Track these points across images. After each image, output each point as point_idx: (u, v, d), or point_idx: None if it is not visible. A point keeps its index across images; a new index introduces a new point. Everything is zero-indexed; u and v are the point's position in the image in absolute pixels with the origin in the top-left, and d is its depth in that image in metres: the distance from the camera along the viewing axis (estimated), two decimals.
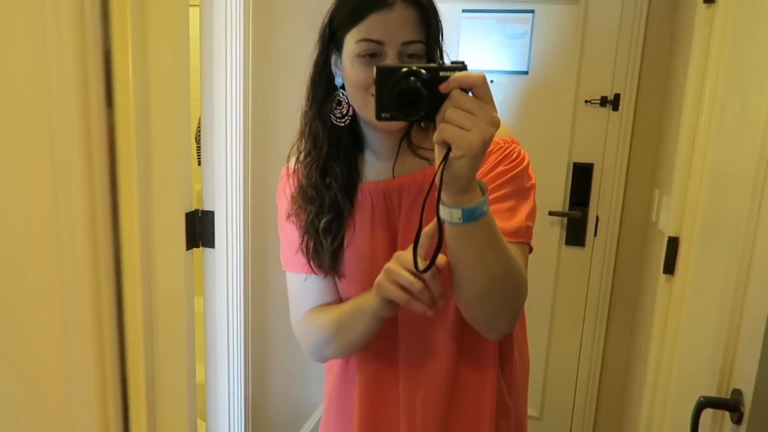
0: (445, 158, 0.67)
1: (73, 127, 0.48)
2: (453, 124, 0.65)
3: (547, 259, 2.29)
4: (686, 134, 1.54)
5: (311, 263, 0.93)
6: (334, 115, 0.89)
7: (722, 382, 1.10)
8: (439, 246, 0.72)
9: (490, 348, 0.92)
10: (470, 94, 0.66)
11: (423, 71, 0.68)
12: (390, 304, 0.80)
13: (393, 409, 0.95)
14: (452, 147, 0.66)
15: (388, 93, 0.69)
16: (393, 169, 0.91)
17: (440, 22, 0.86)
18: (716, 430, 1.10)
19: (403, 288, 0.75)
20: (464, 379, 0.92)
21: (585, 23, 2.09)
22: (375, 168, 0.94)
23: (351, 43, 0.82)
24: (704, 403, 1.03)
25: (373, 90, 0.80)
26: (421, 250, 0.75)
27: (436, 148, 0.69)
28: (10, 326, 0.47)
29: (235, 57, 1.63)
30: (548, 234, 2.27)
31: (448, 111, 0.66)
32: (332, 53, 0.87)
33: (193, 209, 1.66)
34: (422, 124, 0.92)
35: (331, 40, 0.86)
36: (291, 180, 0.95)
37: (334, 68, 0.88)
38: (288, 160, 0.96)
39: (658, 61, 2.05)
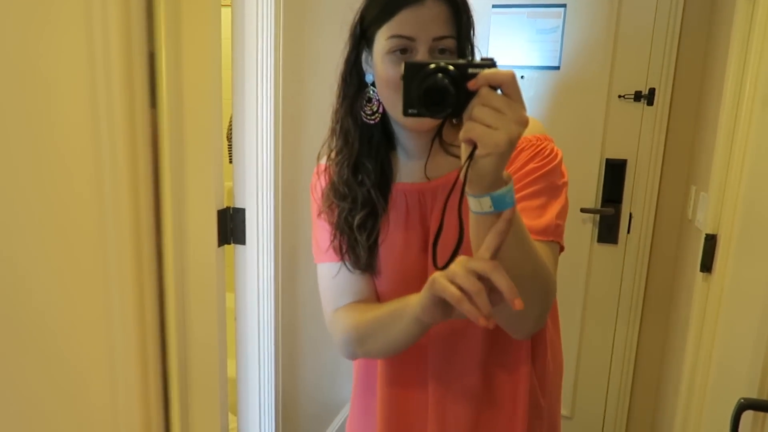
0: (471, 156, 0.66)
1: (119, 127, 0.49)
2: (480, 122, 0.64)
3: (578, 257, 2.26)
4: (725, 129, 1.49)
5: (345, 260, 0.93)
6: (364, 113, 0.89)
7: (763, 383, 1.07)
8: (459, 244, 0.70)
9: (523, 347, 0.91)
10: (499, 91, 0.65)
11: (451, 67, 0.67)
12: (438, 307, 0.75)
13: (420, 410, 0.95)
14: (478, 145, 0.65)
15: (415, 89, 0.68)
16: (425, 168, 0.91)
17: (471, 16, 0.85)
18: None
19: (460, 289, 0.71)
20: (496, 379, 0.92)
21: (618, 17, 2.05)
22: (407, 167, 0.93)
23: (382, 39, 0.82)
24: (745, 405, 1.01)
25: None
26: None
27: (462, 145, 0.68)
28: (54, 321, 0.48)
29: (266, 56, 1.64)
30: (580, 231, 2.24)
31: (476, 109, 0.65)
32: (363, 50, 0.87)
33: (225, 206, 1.68)
34: (453, 122, 0.91)
35: (362, 37, 0.86)
36: (322, 177, 0.95)
37: (365, 65, 0.88)
38: (319, 158, 0.97)
39: (695, 55, 1.99)
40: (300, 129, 1.88)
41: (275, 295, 1.81)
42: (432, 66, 0.67)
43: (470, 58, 0.69)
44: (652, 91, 2.05)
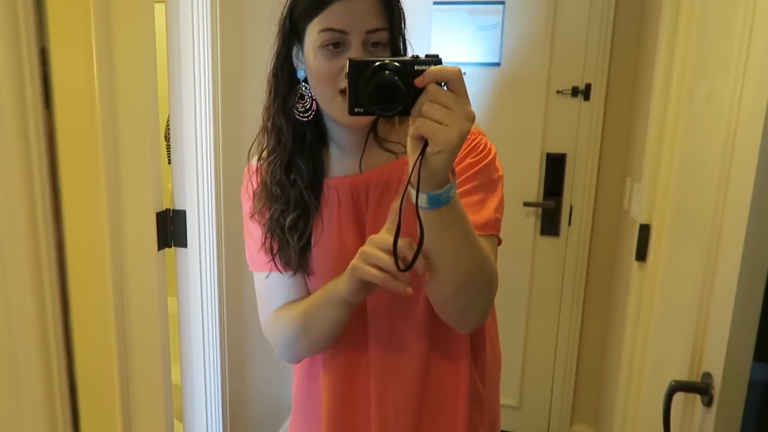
0: (422, 153, 0.66)
1: (9, 128, 0.46)
2: (430, 119, 0.65)
3: (522, 250, 2.31)
4: (655, 122, 1.55)
5: (276, 261, 0.91)
6: (297, 110, 0.87)
7: (693, 365, 1.12)
8: (420, 245, 0.72)
9: (462, 339, 0.92)
10: (444, 87, 0.66)
11: (397, 64, 0.67)
12: (362, 288, 0.80)
13: (363, 404, 0.94)
14: (430, 142, 0.65)
15: (362, 87, 0.68)
16: (360, 163, 0.90)
17: (402, 9, 0.85)
18: (688, 413, 1.12)
19: (380, 269, 0.74)
20: (437, 371, 0.92)
21: (555, 14, 2.10)
22: (341, 163, 0.92)
23: (313, 33, 0.80)
24: (675, 387, 1.04)
25: (338, 83, 0.80)
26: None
27: (410, 143, 0.68)
28: None
29: (203, 52, 1.60)
30: (523, 224, 2.29)
31: (425, 106, 0.65)
32: (294, 45, 0.85)
33: (164, 209, 1.63)
34: (396, 119, 0.91)
35: (291, 31, 0.84)
36: (253, 178, 0.94)
37: (295, 61, 0.86)
38: (249, 158, 0.94)
39: (628, 50, 2.07)
40: (242, 128, 1.83)
41: (219, 298, 1.77)
42: (378, 63, 0.67)
43: (415, 55, 0.68)
44: (588, 86, 2.11)
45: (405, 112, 0.67)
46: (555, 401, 2.42)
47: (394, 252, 0.73)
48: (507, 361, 2.42)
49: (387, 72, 0.67)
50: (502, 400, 2.43)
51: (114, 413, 1.68)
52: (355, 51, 0.79)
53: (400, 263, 0.73)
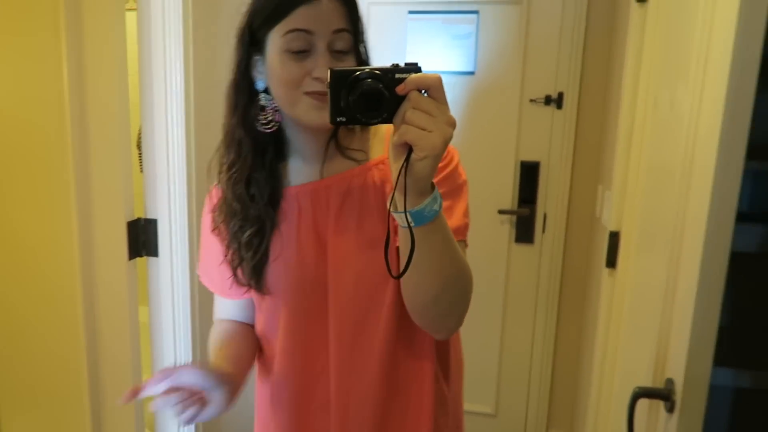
0: (407, 160, 0.67)
1: None
2: (414, 126, 0.65)
3: (497, 257, 2.32)
4: (624, 130, 1.58)
5: (235, 280, 0.92)
6: (258, 122, 0.86)
7: (657, 372, 1.13)
8: (412, 250, 0.72)
9: (427, 338, 0.92)
10: (425, 95, 0.67)
11: (379, 73, 0.68)
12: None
13: (321, 411, 0.94)
14: (414, 148, 0.66)
15: (346, 96, 0.68)
16: (321, 170, 0.90)
17: (361, 16, 0.86)
18: (652, 420, 1.13)
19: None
20: (402, 370, 0.92)
21: (528, 23, 2.13)
22: (302, 172, 0.92)
23: (276, 38, 0.80)
24: (639, 393, 1.05)
25: (304, 87, 0.80)
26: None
27: (392, 150, 0.69)
28: None
29: (174, 60, 1.59)
30: (498, 232, 2.30)
31: (409, 113, 0.66)
32: (253, 56, 0.85)
33: (136, 218, 1.61)
34: (358, 126, 0.91)
35: (252, 41, 0.84)
36: (214, 193, 0.94)
37: (254, 72, 0.86)
38: (209, 170, 0.93)
39: (599, 60, 2.10)
40: (215, 136, 1.82)
41: (191, 308, 1.75)
42: (359, 72, 0.68)
43: (395, 64, 0.69)
44: (561, 95, 2.14)
45: (389, 119, 0.69)
46: (531, 408, 2.43)
47: (385, 259, 0.74)
48: (483, 368, 2.43)
49: (370, 80, 0.68)
50: (479, 408, 2.44)
51: (84, 424, 1.66)
52: (321, 54, 0.79)
53: (393, 272, 0.74)
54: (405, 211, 0.69)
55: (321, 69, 0.79)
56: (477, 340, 2.40)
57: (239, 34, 0.85)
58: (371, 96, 0.67)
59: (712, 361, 0.99)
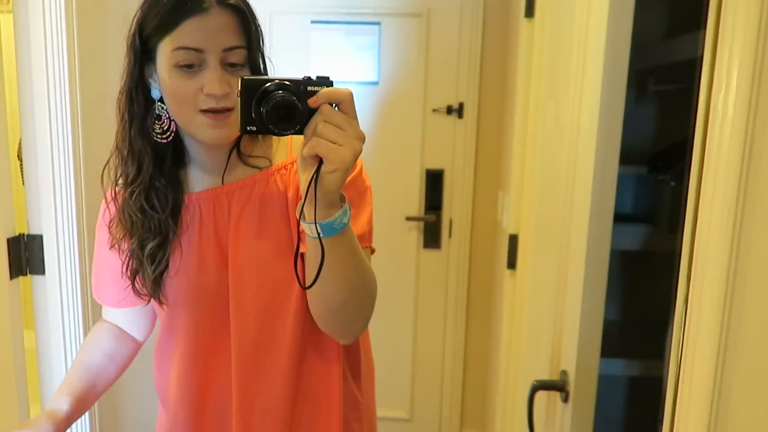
0: (317, 172, 0.68)
1: None
2: (325, 139, 0.66)
3: (407, 263, 2.36)
4: (518, 138, 1.66)
5: (134, 290, 0.89)
6: (154, 132, 0.83)
7: (553, 365, 1.19)
8: (322, 262, 0.72)
9: (334, 342, 0.92)
10: (336, 108, 0.68)
11: (291, 84, 0.69)
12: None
13: (224, 420, 0.91)
14: (325, 161, 0.67)
15: (257, 106, 0.68)
16: (222, 177, 0.88)
17: (259, 26, 0.84)
18: (551, 410, 1.19)
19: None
20: (309, 373, 0.91)
21: (428, 35, 2.19)
22: (202, 180, 0.90)
23: (166, 51, 0.77)
24: (537, 386, 1.11)
25: (198, 103, 0.78)
26: None
27: (301, 162, 0.70)
28: None
29: (58, 66, 1.50)
30: (407, 238, 2.34)
31: (320, 126, 0.67)
32: (146, 64, 0.81)
33: (17, 234, 1.49)
34: (260, 136, 0.89)
35: (143, 49, 0.80)
36: (111, 206, 0.90)
37: (149, 80, 0.83)
38: (103, 182, 0.89)
39: (496, 71, 2.20)
40: (106, 144, 1.72)
41: (84, 330, 1.64)
42: (271, 83, 0.69)
43: (307, 76, 0.70)
44: (461, 105, 2.22)
45: (300, 131, 0.69)
46: (444, 410, 2.48)
47: (295, 270, 0.75)
48: (396, 373, 2.45)
49: (282, 92, 0.68)
50: (394, 414, 2.46)
51: None
52: (212, 70, 0.77)
53: (304, 283, 0.76)
54: (315, 223, 0.70)
55: (212, 85, 0.77)
56: (389, 345, 2.42)
57: (129, 41, 0.81)
58: (285, 107, 0.68)
59: (602, 353, 1.06)
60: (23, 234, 1.53)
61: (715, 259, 0.45)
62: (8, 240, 1.44)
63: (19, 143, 1.70)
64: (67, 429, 0.89)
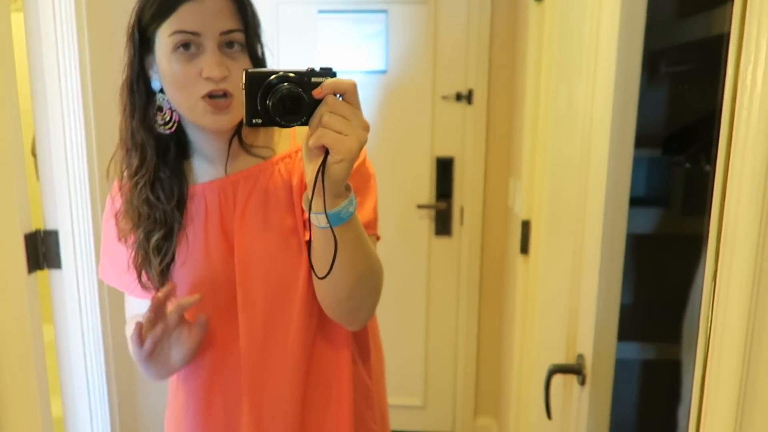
0: (323, 163, 0.69)
1: None
2: (331, 129, 0.67)
3: (418, 251, 2.36)
4: (529, 124, 1.65)
5: (140, 283, 0.90)
6: (157, 123, 0.84)
7: (569, 348, 1.19)
8: (335, 252, 0.74)
9: (342, 329, 0.92)
10: (340, 99, 0.68)
11: (295, 76, 0.69)
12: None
13: (234, 406, 0.92)
14: (331, 151, 0.68)
15: (263, 98, 0.69)
16: (225, 167, 0.89)
17: (256, 12, 0.84)
18: (568, 394, 1.19)
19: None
20: (319, 359, 0.92)
21: (436, 22, 2.18)
22: (206, 172, 0.91)
23: (164, 37, 0.78)
24: (553, 370, 1.11)
25: (198, 88, 0.79)
26: None
27: (307, 152, 0.70)
28: None
29: (69, 63, 1.50)
30: (418, 226, 2.34)
31: (326, 116, 0.67)
32: (146, 55, 0.82)
33: (34, 230, 1.51)
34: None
35: (141, 40, 0.81)
36: (117, 198, 0.91)
37: (149, 71, 0.83)
38: (109, 175, 0.90)
39: (505, 57, 2.18)
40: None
41: (102, 322, 1.66)
42: (276, 75, 0.69)
43: (311, 68, 0.70)
44: (470, 92, 2.21)
45: (306, 122, 0.70)
46: (458, 397, 2.49)
47: (309, 262, 0.77)
48: (410, 361, 2.46)
49: (288, 84, 0.69)
50: (408, 401, 2.48)
51: None
52: (210, 53, 0.78)
53: (317, 272, 0.77)
54: (324, 213, 0.71)
55: (210, 68, 0.77)
56: (402, 333, 2.43)
57: (128, 32, 0.82)
58: (291, 99, 0.68)
59: (618, 336, 1.06)
60: (39, 230, 1.55)
61: (744, 236, 0.45)
62: (25, 236, 1.45)
63: (33, 140, 1.71)
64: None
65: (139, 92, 0.83)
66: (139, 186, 0.85)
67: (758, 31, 0.42)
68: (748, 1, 0.44)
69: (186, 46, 0.78)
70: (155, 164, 0.84)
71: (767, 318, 0.44)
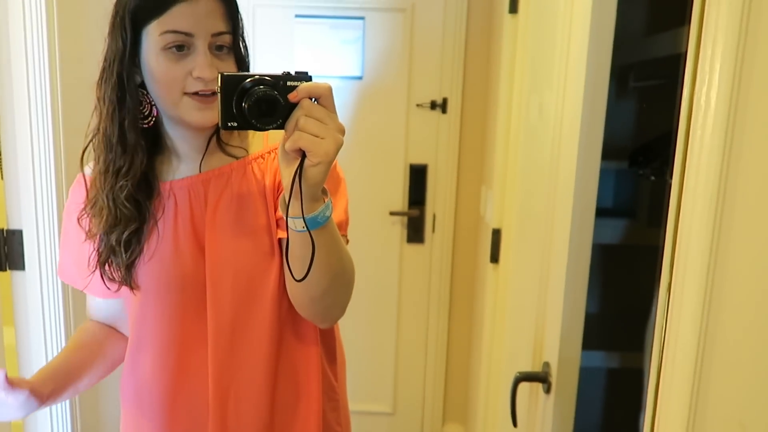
0: (301, 165, 0.69)
1: None
2: (307, 133, 0.68)
3: (390, 258, 2.37)
4: (501, 133, 1.68)
5: (104, 277, 0.88)
6: (136, 117, 0.83)
7: (536, 357, 1.21)
8: (313, 255, 0.74)
9: (311, 326, 0.92)
10: (315, 102, 0.69)
11: (271, 79, 0.70)
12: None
13: (199, 406, 0.90)
14: (308, 155, 0.68)
15: (238, 102, 0.70)
16: (200, 165, 0.89)
17: (242, 18, 0.85)
18: (533, 401, 1.20)
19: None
20: (289, 360, 0.91)
21: (413, 31, 2.19)
22: (178, 169, 0.90)
23: (154, 35, 0.78)
24: (519, 378, 1.12)
25: (184, 86, 0.79)
26: None
27: (284, 156, 0.71)
28: None
29: (37, 59, 1.47)
30: (390, 233, 2.35)
31: (302, 119, 0.68)
32: (127, 49, 0.81)
33: None
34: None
35: (125, 34, 0.80)
36: (83, 190, 0.90)
37: (130, 66, 0.82)
38: (83, 166, 0.89)
39: (479, 67, 2.21)
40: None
41: (65, 326, 1.62)
42: (251, 78, 0.70)
43: (286, 72, 0.71)
44: (445, 100, 2.23)
45: (282, 126, 0.70)
46: (427, 404, 2.49)
47: (286, 264, 0.77)
48: (379, 368, 2.46)
49: (263, 87, 0.69)
50: (377, 408, 2.48)
51: None
52: (202, 54, 0.79)
53: (294, 275, 0.77)
54: (302, 217, 0.72)
55: (201, 69, 0.78)
56: (372, 339, 2.43)
57: (111, 25, 0.81)
58: (266, 102, 0.69)
59: (583, 345, 1.07)
60: (3, 229, 1.51)
61: (697, 248, 0.46)
62: None
63: None
64: (41, 397, 0.84)
65: (120, 86, 0.81)
66: (110, 179, 0.83)
67: (712, 53, 0.44)
68: (704, 25, 0.46)
69: (179, 47, 0.78)
70: (130, 159, 0.83)
71: (719, 328, 0.46)
